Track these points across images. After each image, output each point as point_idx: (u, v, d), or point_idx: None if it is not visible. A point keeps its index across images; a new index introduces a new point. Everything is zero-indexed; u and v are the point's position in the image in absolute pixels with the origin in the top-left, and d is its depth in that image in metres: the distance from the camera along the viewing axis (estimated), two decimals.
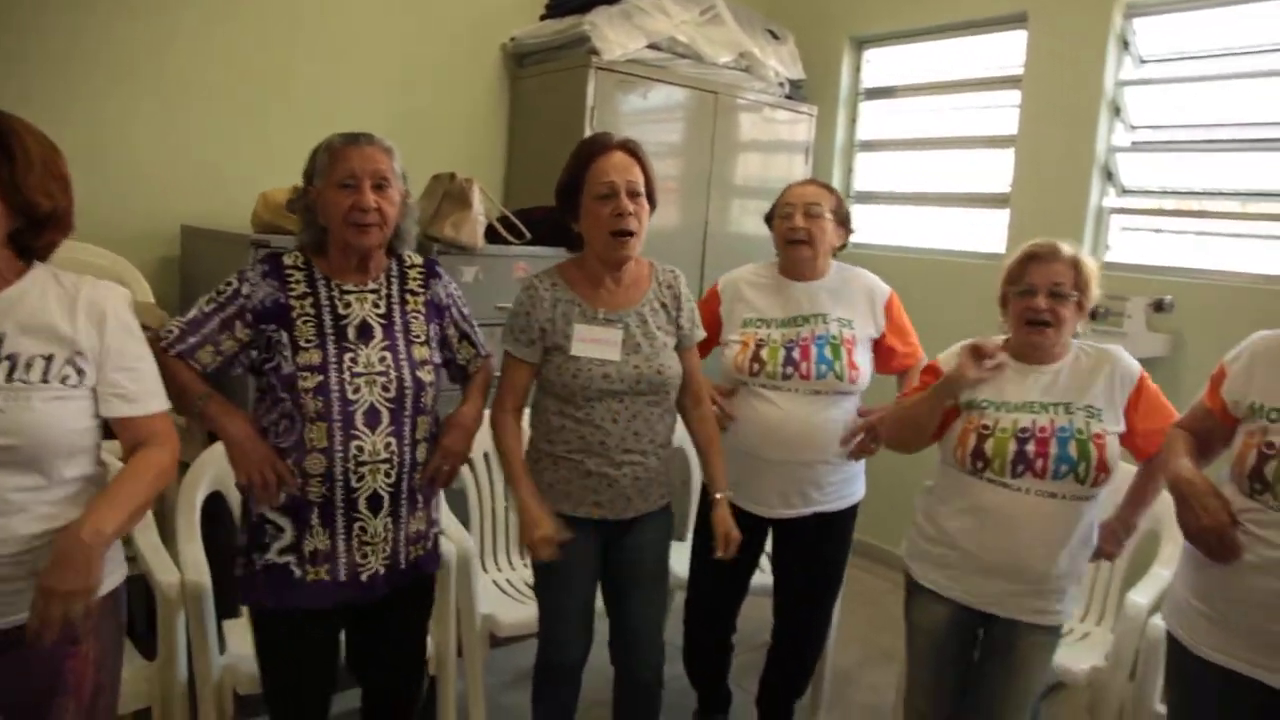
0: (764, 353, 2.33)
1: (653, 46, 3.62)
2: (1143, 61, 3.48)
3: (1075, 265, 1.94)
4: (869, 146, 4.47)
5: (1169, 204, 3.46)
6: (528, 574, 2.76)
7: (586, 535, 2.05)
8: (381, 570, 1.85)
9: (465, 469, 2.75)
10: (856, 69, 4.43)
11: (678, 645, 2.61)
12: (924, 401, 2.04)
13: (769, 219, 2.48)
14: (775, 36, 4.17)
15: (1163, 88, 3.49)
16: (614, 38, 3.48)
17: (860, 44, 4.41)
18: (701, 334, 2.19)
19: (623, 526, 2.08)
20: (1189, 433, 1.83)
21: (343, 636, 1.97)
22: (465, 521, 2.69)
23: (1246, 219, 3.29)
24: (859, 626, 3.44)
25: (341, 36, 3.44)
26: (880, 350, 2.45)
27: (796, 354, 2.30)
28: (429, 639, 2.12)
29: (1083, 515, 1.95)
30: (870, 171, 4.49)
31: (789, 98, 4.16)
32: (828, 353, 2.31)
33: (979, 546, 1.97)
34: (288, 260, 1.85)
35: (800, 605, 2.52)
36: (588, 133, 3.34)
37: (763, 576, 2.61)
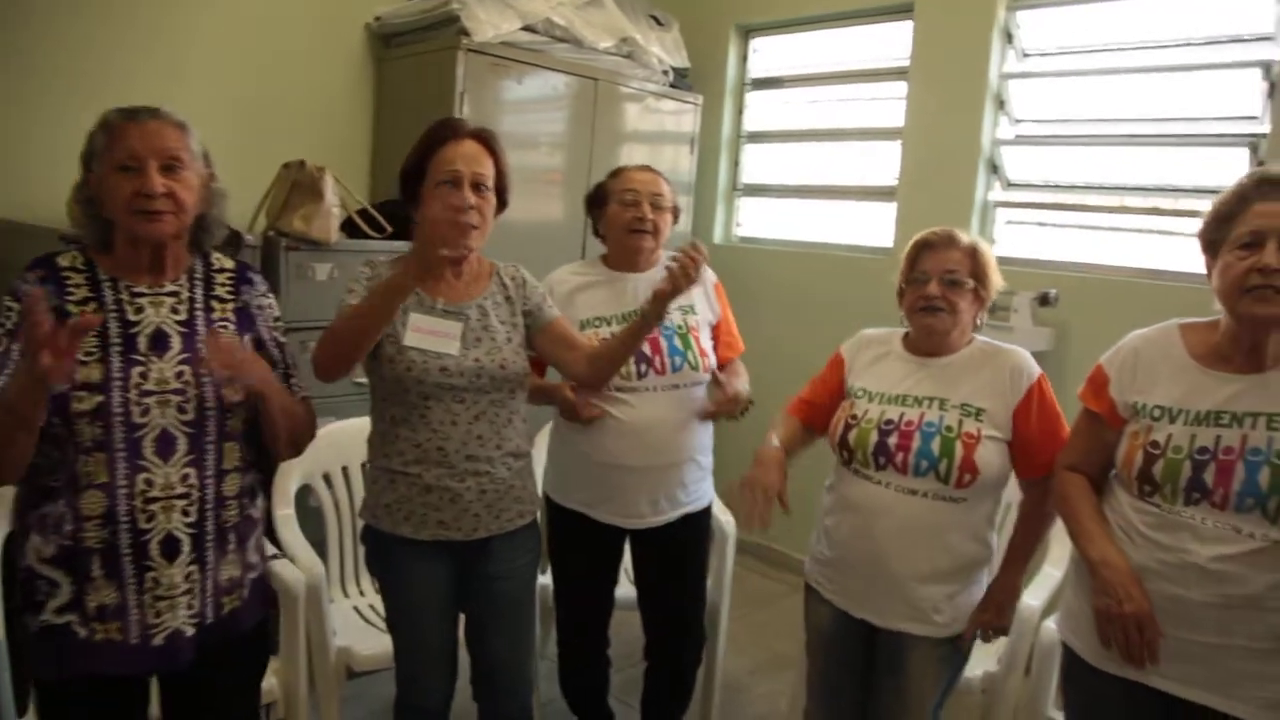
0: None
1: (528, 29, 3.43)
2: (1026, 55, 3.46)
3: (972, 253, 1.87)
4: (756, 138, 4.38)
5: (1052, 198, 3.45)
6: None
7: (437, 561, 1.86)
8: (187, 629, 1.55)
9: (322, 485, 2.52)
10: (743, 58, 4.34)
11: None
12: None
13: (594, 201, 2.34)
14: (659, 23, 4.03)
15: (1045, 81, 3.48)
16: (485, 18, 3.28)
17: (746, 32, 4.31)
18: (555, 311, 2.02)
19: (476, 550, 1.89)
20: (1081, 475, 1.73)
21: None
22: (321, 542, 2.45)
23: (1126, 213, 3.31)
24: (751, 632, 3.33)
25: (184, 16, 3.12)
26: (716, 338, 2.36)
27: (647, 349, 2.16)
28: (274, 678, 1.88)
29: (951, 519, 1.83)
30: (757, 163, 4.40)
31: (674, 86, 4.03)
32: (677, 342, 2.21)
33: (845, 542, 1.91)
34: (64, 261, 1.55)
35: (672, 614, 2.39)
36: None
37: (629, 589, 2.47)
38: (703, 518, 2.35)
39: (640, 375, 2.18)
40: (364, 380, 1.92)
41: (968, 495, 1.82)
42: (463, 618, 1.98)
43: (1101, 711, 1.67)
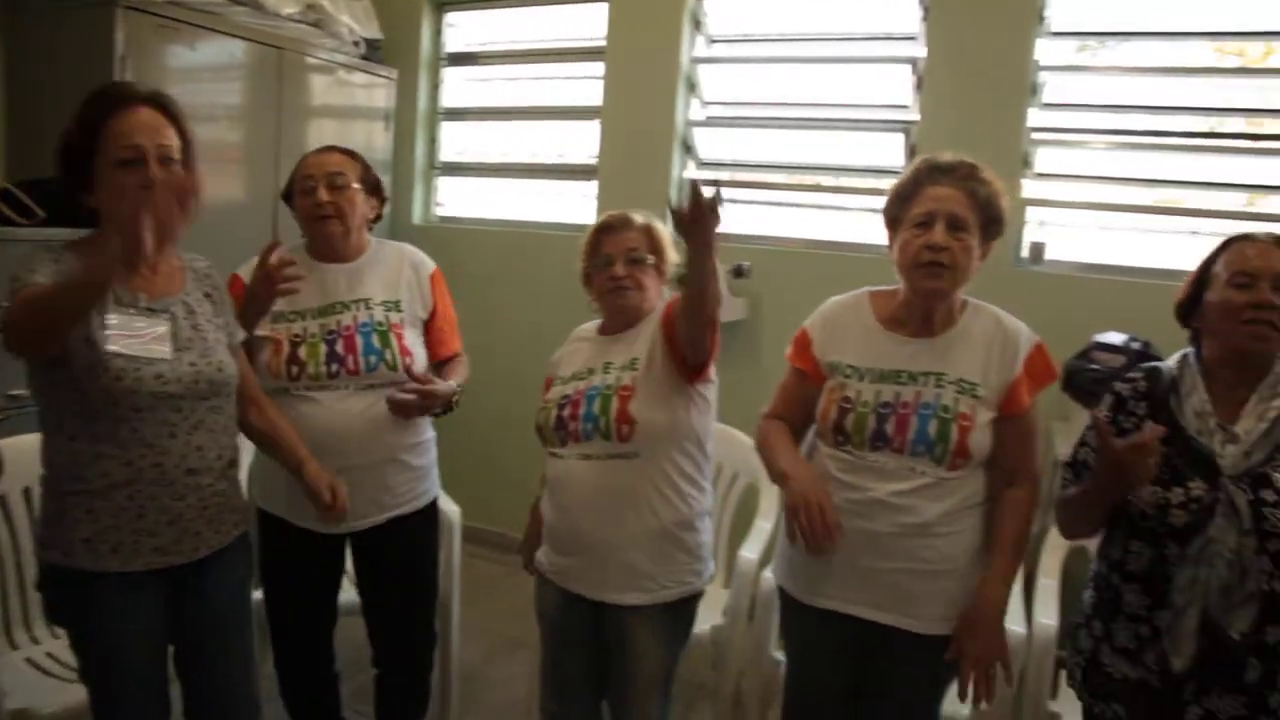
0: (302, 351, 2.05)
1: None
2: (713, 41, 3.67)
3: (648, 231, 1.95)
4: (454, 115, 4.28)
5: (741, 176, 3.70)
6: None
7: (149, 592, 1.64)
8: None
9: None
10: (437, 32, 4.21)
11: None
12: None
13: (287, 196, 2.19)
14: None
15: (731, 66, 3.71)
16: None
17: (440, 6, 4.19)
18: (242, 333, 1.84)
19: (191, 570, 1.69)
20: (781, 421, 1.87)
21: None
22: None
23: (809, 190, 3.64)
24: (481, 618, 3.29)
25: None
26: (429, 334, 2.24)
27: (340, 347, 2.05)
28: None
29: (629, 478, 1.84)
30: (457, 141, 4.30)
31: (366, 59, 3.82)
32: (375, 341, 2.09)
33: (551, 522, 1.95)
34: None
35: (398, 621, 2.29)
36: None
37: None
38: (421, 518, 2.24)
39: (331, 375, 2.05)
40: (20, 392, 1.64)
41: (639, 450, 1.83)
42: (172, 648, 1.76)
43: (811, 643, 1.85)
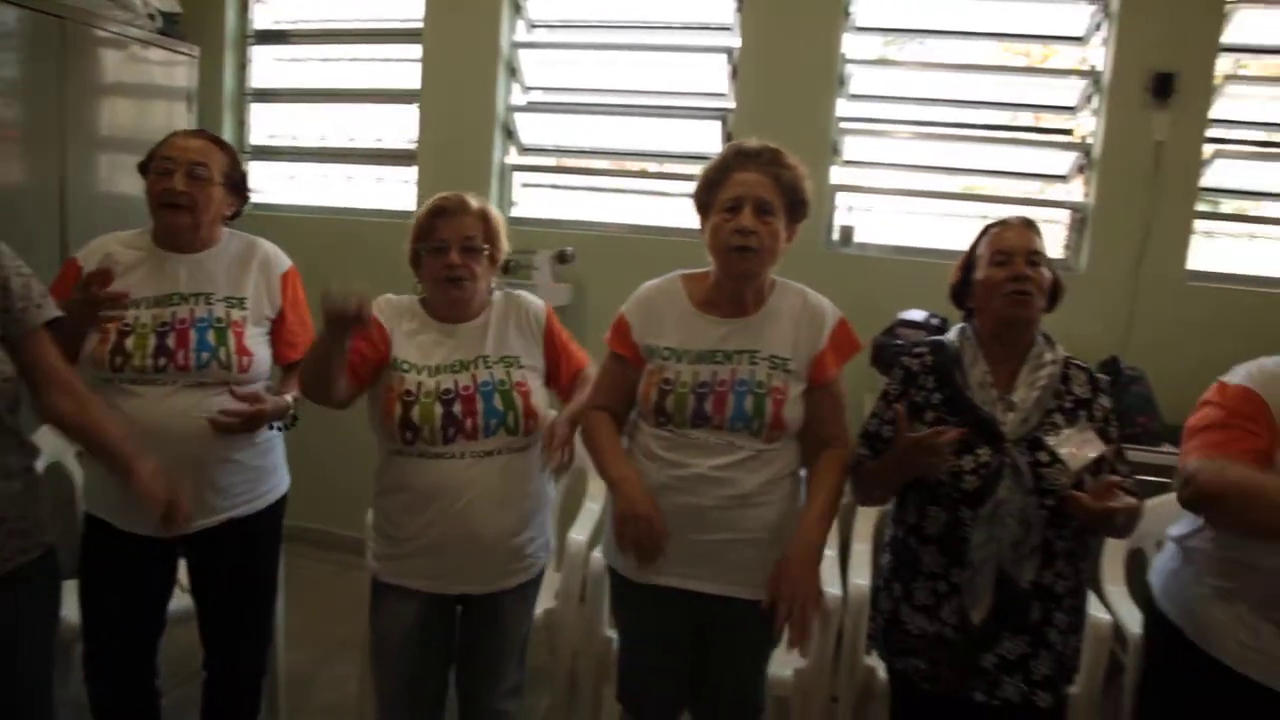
0: (129, 341, 1.92)
1: None
2: (534, 26, 3.65)
3: (484, 217, 1.91)
4: (264, 96, 4.08)
5: (564, 162, 3.71)
6: None
7: None
8: None
9: None
10: (243, 8, 4.00)
11: None
12: None
13: (142, 168, 2.04)
14: None
15: (552, 52, 3.70)
16: None
17: None
18: (54, 310, 1.66)
19: None
20: (606, 413, 1.88)
21: None
22: None
23: (631, 176, 3.69)
24: (308, 620, 3.17)
25: None
26: (277, 335, 2.13)
27: (171, 340, 1.93)
28: None
29: (524, 468, 1.91)
30: (267, 124, 4.10)
31: (163, 33, 3.57)
32: (211, 338, 1.97)
33: (429, 524, 1.85)
34: None
35: (233, 627, 2.18)
36: None
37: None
38: (262, 521, 2.12)
39: (158, 369, 1.92)
40: None
41: (532, 441, 1.90)
42: None
43: (641, 619, 1.90)
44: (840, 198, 3.42)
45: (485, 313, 1.96)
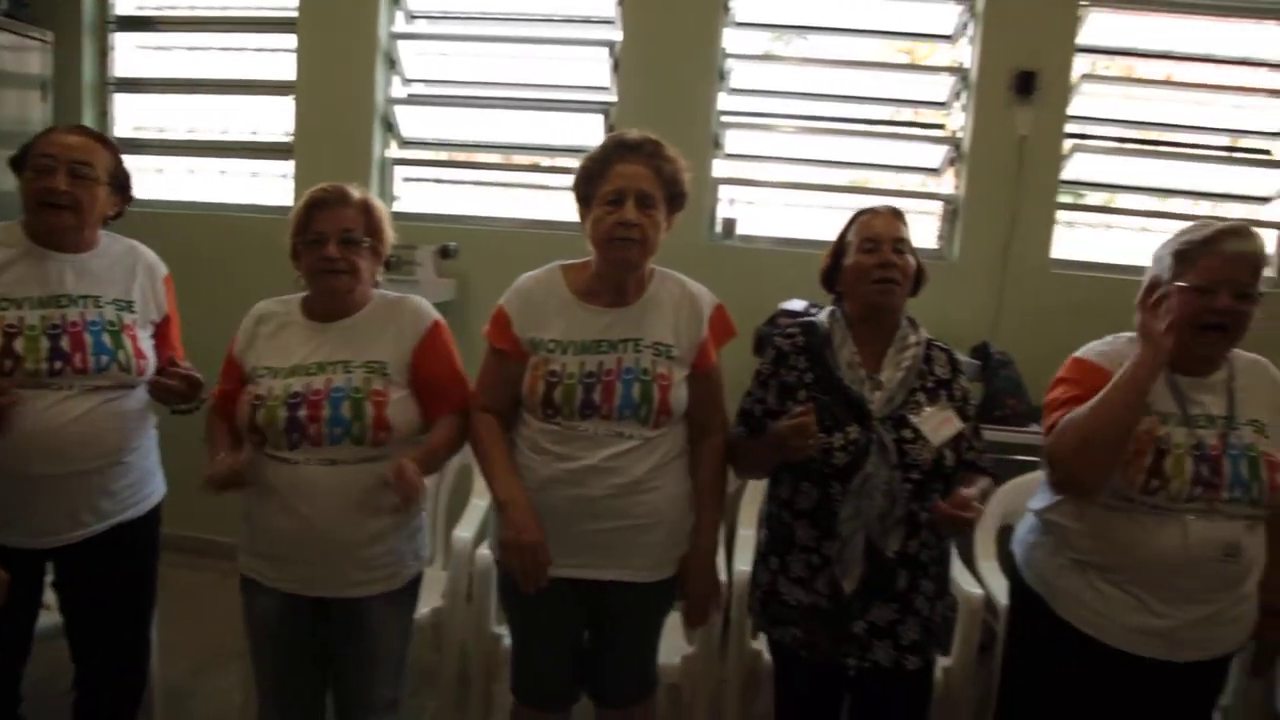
0: (19, 344, 1.82)
1: None
2: (413, 16, 3.58)
3: (365, 209, 1.85)
4: (128, 86, 3.88)
5: (446, 155, 3.67)
6: None
7: None
8: None
9: None
10: None
11: None
12: None
13: (16, 165, 1.92)
14: None
15: (433, 44, 3.65)
16: None
17: None
18: None
19: None
20: (493, 416, 1.85)
21: None
22: None
23: (515, 170, 3.68)
24: (185, 630, 3.03)
25: None
26: (160, 339, 2.06)
27: (66, 343, 1.85)
28: None
29: (374, 478, 1.77)
30: (133, 116, 3.91)
31: (11, 16, 3.37)
32: (106, 339, 1.90)
33: (277, 525, 1.80)
34: None
35: (110, 640, 2.07)
36: None
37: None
38: (144, 524, 2.05)
39: (54, 372, 1.84)
40: None
41: (389, 452, 1.78)
42: None
43: (534, 613, 1.87)
44: (723, 190, 3.46)
45: (363, 312, 1.88)
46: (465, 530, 2.48)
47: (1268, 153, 3.52)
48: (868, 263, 1.77)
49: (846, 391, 1.76)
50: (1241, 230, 1.66)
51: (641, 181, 1.74)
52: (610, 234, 1.73)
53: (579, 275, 1.86)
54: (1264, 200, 3.52)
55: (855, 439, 1.72)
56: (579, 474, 1.75)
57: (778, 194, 3.54)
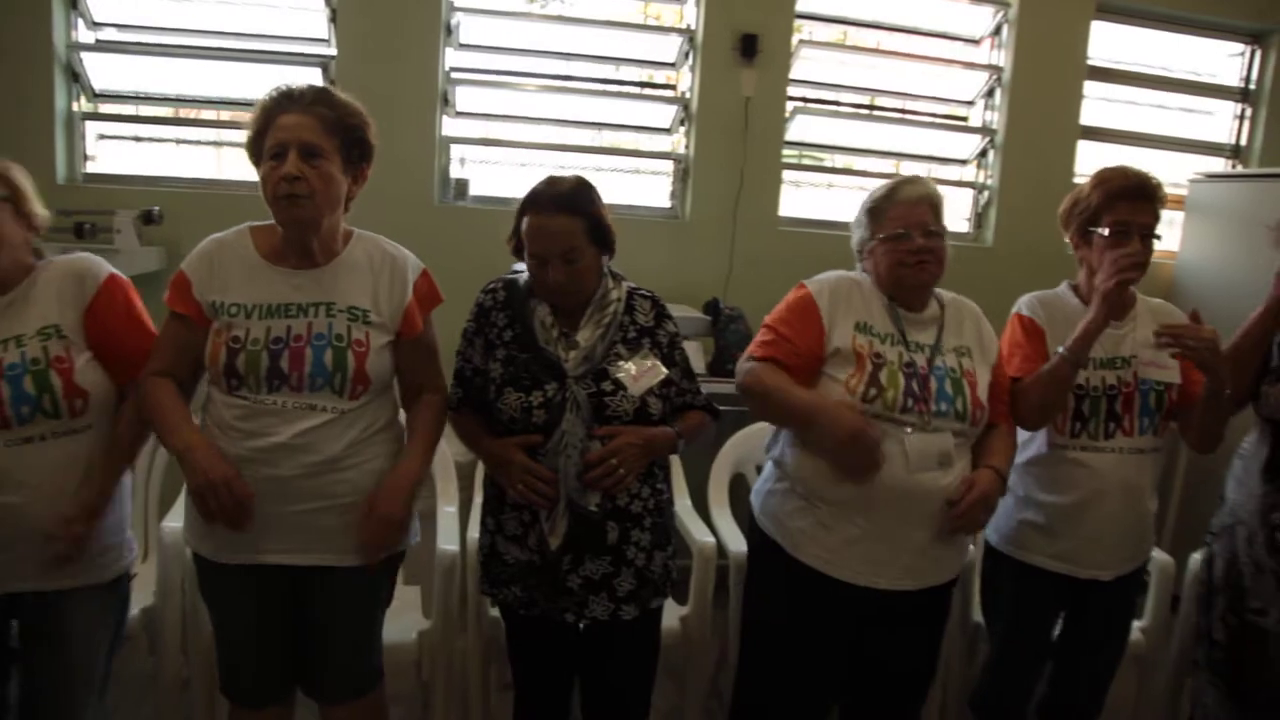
0: None
1: None
2: None
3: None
4: None
5: (145, 111, 3.32)
6: None
7: None
8: None
9: None
10: None
11: None
12: None
13: None
14: None
15: None
16: None
17: None
18: None
19: None
20: (167, 379, 1.70)
21: None
22: None
23: (222, 128, 3.38)
24: None
25: None
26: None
27: None
28: None
29: (73, 453, 1.68)
30: None
31: None
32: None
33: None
34: None
35: None
36: None
37: None
38: None
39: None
40: None
41: (79, 426, 1.68)
42: None
43: (234, 603, 1.74)
44: (455, 150, 3.35)
45: (23, 283, 1.68)
46: (175, 520, 2.26)
47: (965, 119, 3.86)
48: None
49: (541, 352, 1.75)
50: (914, 179, 1.90)
51: (304, 132, 1.60)
52: (275, 190, 1.60)
53: (268, 237, 1.72)
54: (963, 162, 3.86)
55: (552, 397, 1.71)
56: (269, 452, 1.62)
57: (514, 154, 3.47)
